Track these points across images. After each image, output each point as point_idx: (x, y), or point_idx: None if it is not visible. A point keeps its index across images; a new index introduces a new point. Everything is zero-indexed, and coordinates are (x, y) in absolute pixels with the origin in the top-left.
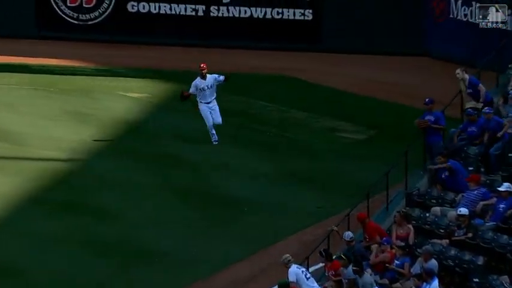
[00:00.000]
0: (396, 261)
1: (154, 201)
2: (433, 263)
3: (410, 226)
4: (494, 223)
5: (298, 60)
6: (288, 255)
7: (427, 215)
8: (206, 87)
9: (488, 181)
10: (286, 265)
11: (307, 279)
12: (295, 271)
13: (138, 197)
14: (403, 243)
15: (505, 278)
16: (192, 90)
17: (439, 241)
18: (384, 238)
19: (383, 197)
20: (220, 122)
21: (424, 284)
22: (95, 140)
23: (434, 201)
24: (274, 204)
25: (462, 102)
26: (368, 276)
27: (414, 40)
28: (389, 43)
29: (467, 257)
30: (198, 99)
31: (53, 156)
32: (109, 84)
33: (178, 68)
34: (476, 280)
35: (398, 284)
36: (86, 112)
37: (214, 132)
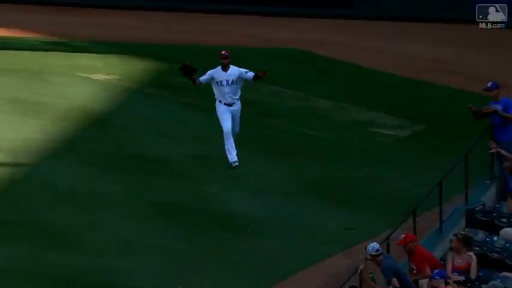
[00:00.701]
0: None
1: (127, 220)
2: None
3: (471, 254)
4: None
5: (320, 31)
6: None
7: (495, 239)
8: (226, 82)
9: None
10: None
11: None
12: None
13: (104, 215)
14: (462, 278)
15: None
16: (203, 78)
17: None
18: (437, 270)
19: (435, 215)
20: (237, 131)
21: None
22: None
23: (505, 220)
24: (288, 224)
25: None
26: None
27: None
28: (434, 7)
29: None
30: (215, 96)
31: None
32: (65, 63)
33: (160, 42)
34: None
35: None
36: (34, 100)
37: (233, 144)
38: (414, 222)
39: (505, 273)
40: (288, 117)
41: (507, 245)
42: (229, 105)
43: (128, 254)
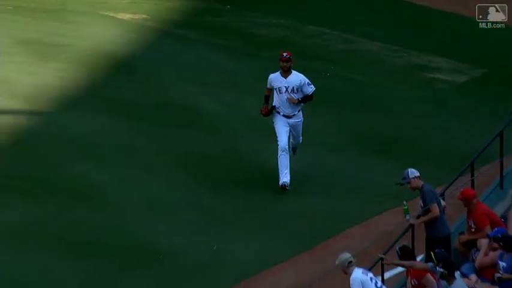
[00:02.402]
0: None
1: (155, 175)
2: None
3: None
4: None
5: None
6: (348, 254)
7: None
8: (285, 90)
9: None
10: (346, 269)
11: (376, 284)
12: (360, 278)
13: (130, 169)
14: None
15: None
16: (268, 86)
17: None
18: (497, 228)
19: (495, 169)
20: (300, 142)
21: None
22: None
23: None
24: (331, 180)
25: None
26: (461, 283)
27: None
28: None
29: None
30: (274, 103)
31: (4, 107)
32: (88, 0)
33: None
34: None
35: None
36: (52, 42)
37: (286, 162)
38: (472, 176)
39: None
40: (334, 60)
41: None
42: (288, 117)
43: (156, 210)
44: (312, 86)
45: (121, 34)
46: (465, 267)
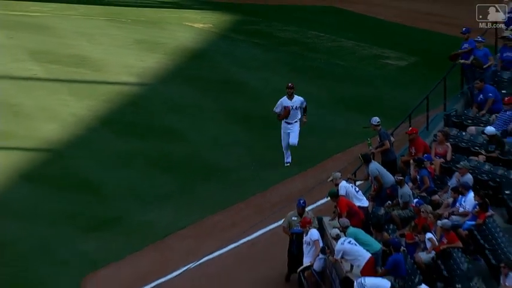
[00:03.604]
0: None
1: (217, 123)
2: (469, 177)
3: (448, 144)
4: None
5: None
6: (338, 173)
7: (464, 134)
8: (291, 107)
9: None
10: (336, 181)
11: (356, 192)
12: (345, 186)
13: (201, 120)
14: (442, 160)
15: None
16: (277, 109)
17: (475, 158)
18: (426, 155)
19: (423, 118)
20: (295, 144)
21: (460, 196)
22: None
23: (470, 121)
24: (325, 126)
25: (496, 32)
26: (407, 187)
27: None
28: None
29: (500, 171)
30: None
31: (123, 80)
32: (175, 15)
33: (234, 1)
34: (508, 192)
35: (436, 196)
36: (154, 41)
37: (288, 153)
38: (410, 122)
39: (471, 157)
40: (325, 52)
41: (471, 137)
42: (290, 124)
43: (217, 146)
44: (305, 102)
45: (196, 36)
46: (406, 178)
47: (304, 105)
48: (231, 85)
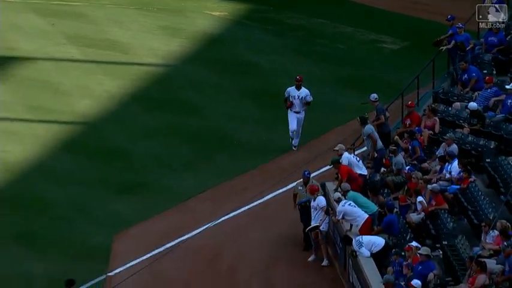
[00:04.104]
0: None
1: (232, 100)
2: (454, 147)
3: (436, 118)
4: (504, 115)
5: None
6: (342, 145)
7: (450, 109)
8: (297, 97)
9: (499, 81)
10: (340, 152)
11: (358, 161)
12: (347, 156)
13: (218, 96)
14: (431, 132)
15: (511, 159)
16: (286, 96)
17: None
18: (417, 128)
19: (414, 95)
20: (295, 129)
21: (447, 164)
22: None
23: (455, 98)
24: (328, 102)
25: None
26: (400, 156)
27: None
28: None
29: (481, 142)
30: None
31: (150, 62)
32: (196, 4)
33: None
34: (489, 160)
35: (426, 164)
36: (177, 27)
37: (296, 139)
38: (402, 99)
39: (457, 130)
40: (328, 37)
41: (457, 112)
42: (297, 113)
43: (231, 119)
44: (311, 97)
45: (214, 23)
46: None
47: (308, 99)
48: (245, 66)
